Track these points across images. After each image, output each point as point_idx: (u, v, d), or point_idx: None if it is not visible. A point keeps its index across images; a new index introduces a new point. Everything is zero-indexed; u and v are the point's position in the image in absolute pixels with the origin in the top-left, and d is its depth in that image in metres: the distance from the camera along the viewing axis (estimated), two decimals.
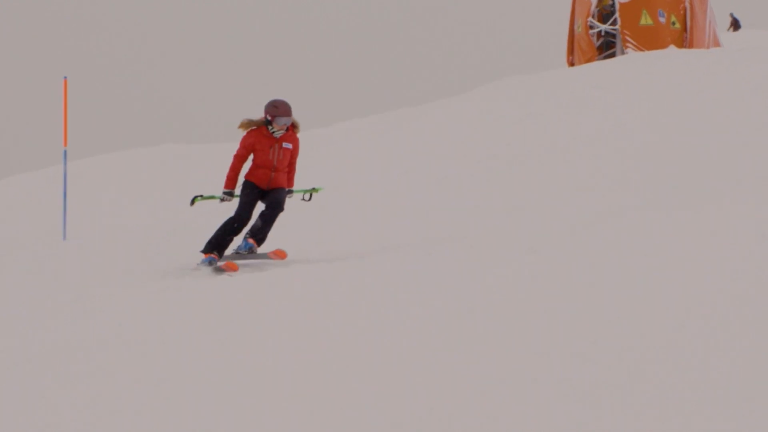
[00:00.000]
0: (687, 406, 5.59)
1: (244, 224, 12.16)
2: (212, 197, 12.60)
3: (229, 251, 12.35)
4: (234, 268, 11.80)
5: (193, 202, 12.72)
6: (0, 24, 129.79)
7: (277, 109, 12.09)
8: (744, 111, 19.21)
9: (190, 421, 6.20)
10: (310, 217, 15.78)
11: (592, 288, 7.84)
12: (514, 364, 6.46)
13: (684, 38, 31.48)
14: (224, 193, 12.24)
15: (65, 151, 18.23)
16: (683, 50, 28.97)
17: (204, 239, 13.32)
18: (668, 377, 5.96)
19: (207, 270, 12.09)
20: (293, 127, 12.25)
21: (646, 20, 31.32)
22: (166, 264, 13.04)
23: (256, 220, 12.16)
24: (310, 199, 13.23)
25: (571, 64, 32.82)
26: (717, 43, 32.42)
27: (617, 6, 31.55)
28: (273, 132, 12.14)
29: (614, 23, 31.71)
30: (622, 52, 31.18)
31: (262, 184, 12.21)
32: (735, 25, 55.34)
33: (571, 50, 33.13)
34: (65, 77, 18.05)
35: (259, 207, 12.38)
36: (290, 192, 12.44)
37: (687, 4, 31.46)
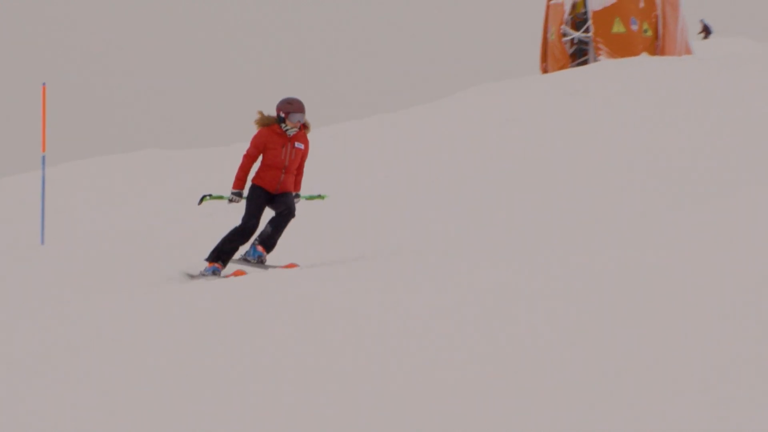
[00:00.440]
0: (687, 405, 5.58)
1: (252, 233, 11.77)
2: (221, 197, 12.29)
3: (236, 255, 11.90)
4: (241, 275, 11.38)
5: (201, 201, 12.39)
6: None
7: (292, 105, 11.75)
8: (716, 116, 19.42)
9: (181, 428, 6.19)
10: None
11: (591, 293, 7.80)
12: (515, 364, 6.45)
13: (656, 45, 31.77)
14: (233, 193, 11.86)
15: (44, 157, 18.33)
16: (655, 57, 29.22)
17: (182, 244, 13.35)
18: (669, 377, 5.97)
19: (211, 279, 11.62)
20: (305, 128, 11.92)
21: (618, 28, 31.58)
22: (146, 269, 13.03)
23: (266, 227, 11.78)
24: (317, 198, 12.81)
25: (545, 71, 33.08)
26: (688, 51, 32.73)
27: (590, 14, 31.81)
28: (287, 130, 11.75)
29: (587, 31, 31.97)
30: (595, 60, 31.45)
31: (270, 188, 11.80)
32: (706, 31, 55.65)
33: (544, 57, 33.37)
34: (44, 84, 18.14)
35: (267, 212, 12.01)
36: (297, 197, 12.07)
37: (659, 12, 31.75)
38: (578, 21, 32.26)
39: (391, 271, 9.53)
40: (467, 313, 7.58)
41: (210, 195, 12.36)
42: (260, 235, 11.72)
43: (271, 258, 12.08)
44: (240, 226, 11.75)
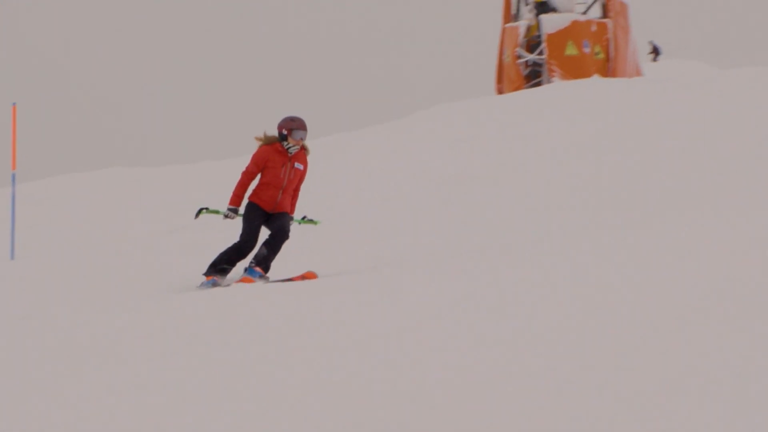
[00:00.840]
0: (687, 405, 5.64)
1: (250, 250, 11.68)
2: (217, 212, 12.13)
3: (236, 274, 11.85)
4: (250, 281, 11.37)
5: (198, 214, 12.21)
6: None
7: (294, 122, 11.70)
8: (666, 136, 19.73)
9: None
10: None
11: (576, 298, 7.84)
12: (515, 365, 6.47)
13: (608, 67, 32.46)
14: (229, 209, 11.75)
15: (14, 174, 18.53)
16: (607, 79, 29.77)
17: (147, 259, 13.52)
18: (668, 377, 6.03)
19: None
20: (304, 149, 11.85)
21: (571, 50, 32.26)
22: (119, 281, 13.17)
23: (261, 248, 11.64)
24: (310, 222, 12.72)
25: (500, 92, 33.70)
26: (639, 73, 33.47)
27: (544, 37, 32.47)
28: (288, 148, 11.68)
29: (541, 53, 32.63)
30: (549, 81, 32.08)
31: (267, 207, 11.70)
32: (655, 51, 56.33)
33: (500, 79, 34.01)
34: (14, 103, 18.31)
35: (263, 231, 11.87)
36: (291, 219, 11.88)
37: (611, 35, 32.45)
38: (532, 44, 32.95)
39: (373, 283, 9.54)
40: (450, 321, 7.59)
41: (207, 208, 12.26)
42: (256, 257, 11.62)
43: (272, 274, 11.99)
44: (238, 243, 11.71)
